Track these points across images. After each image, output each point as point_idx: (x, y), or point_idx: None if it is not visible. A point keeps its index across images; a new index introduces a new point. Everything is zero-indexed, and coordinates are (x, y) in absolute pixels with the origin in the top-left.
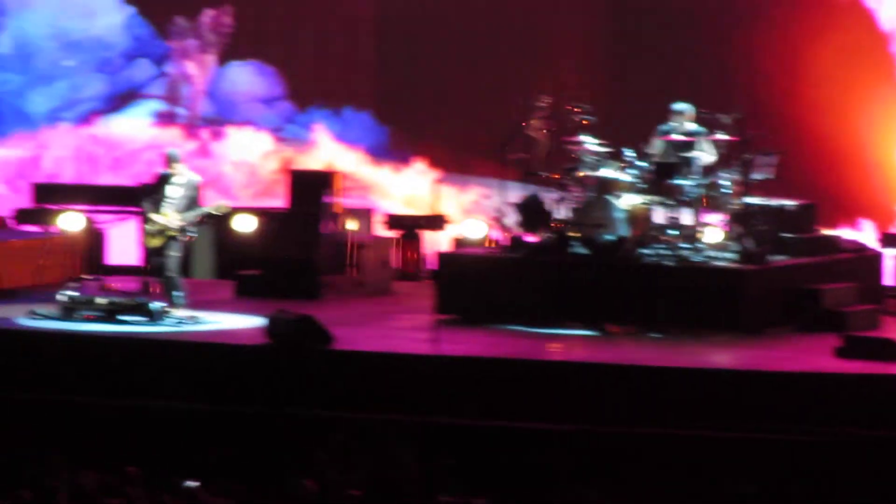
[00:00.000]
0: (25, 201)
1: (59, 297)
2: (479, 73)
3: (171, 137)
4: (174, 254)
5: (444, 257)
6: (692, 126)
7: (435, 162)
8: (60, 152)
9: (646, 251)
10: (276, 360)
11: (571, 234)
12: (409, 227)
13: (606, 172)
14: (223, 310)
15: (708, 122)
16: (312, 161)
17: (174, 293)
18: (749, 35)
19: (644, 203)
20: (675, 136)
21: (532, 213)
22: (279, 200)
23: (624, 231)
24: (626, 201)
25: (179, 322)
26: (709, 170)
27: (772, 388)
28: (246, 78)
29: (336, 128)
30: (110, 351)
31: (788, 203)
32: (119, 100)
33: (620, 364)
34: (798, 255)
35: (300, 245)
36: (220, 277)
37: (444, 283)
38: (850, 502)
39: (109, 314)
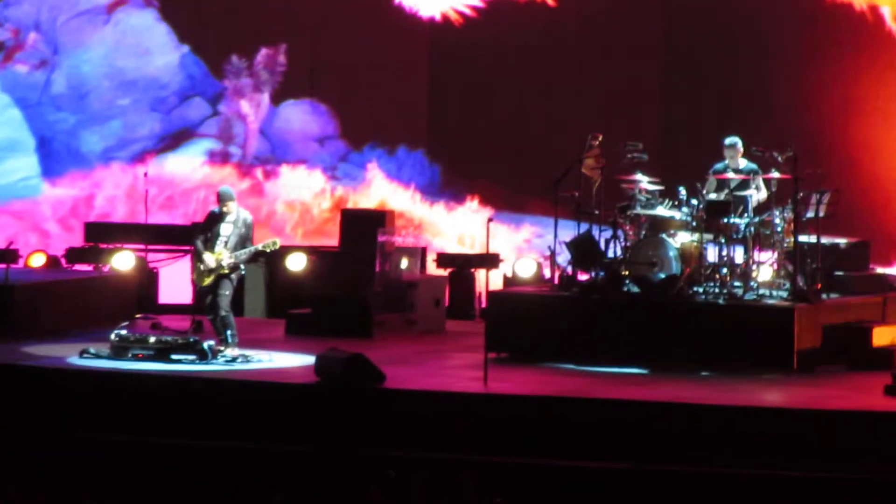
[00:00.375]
0: (78, 240)
1: (111, 336)
2: (531, 112)
3: (225, 176)
4: (226, 292)
5: (494, 296)
6: (745, 163)
7: (487, 200)
8: (113, 191)
9: (698, 289)
10: (326, 398)
11: (624, 272)
12: (462, 265)
13: (659, 211)
14: (274, 348)
15: (761, 159)
16: (365, 200)
17: (226, 332)
18: (802, 71)
19: (696, 241)
20: (728, 174)
21: (584, 251)
22: (332, 239)
23: (676, 269)
24: (679, 239)
25: (230, 361)
26: (761, 208)
27: (823, 426)
28: (299, 117)
29: (389, 166)
30: (162, 390)
31: (841, 241)
32: (173, 139)
33: (672, 402)
34: (850, 294)
35: (352, 284)
36: (272, 316)
37: (495, 321)
38: None
39: (161, 353)
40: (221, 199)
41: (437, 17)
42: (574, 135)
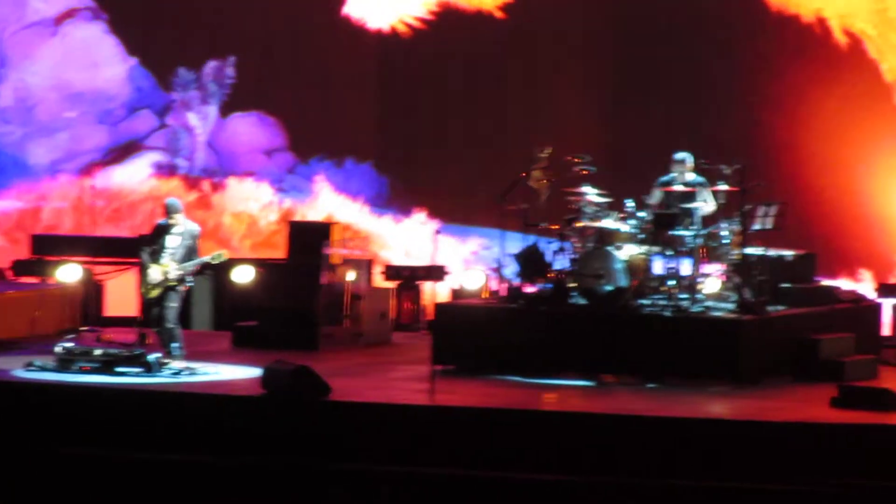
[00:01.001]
0: (24, 252)
1: (56, 348)
2: (479, 125)
3: (172, 188)
4: (173, 304)
5: (441, 308)
6: (692, 176)
7: (434, 213)
8: (60, 204)
9: (644, 301)
10: (273, 411)
11: (570, 284)
12: (408, 277)
13: (606, 223)
14: (221, 361)
15: (708, 172)
16: (313, 212)
17: (172, 344)
18: (751, 86)
19: (643, 254)
20: (675, 187)
21: (531, 263)
22: (279, 252)
23: (623, 281)
24: (626, 252)
25: (176, 373)
26: (708, 220)
27: (769, 438)
28: (247, 129)
29: (337, 179)
30: (107, 402)
31: (788, 253)
32: (120, 151)
33: (617, 414)
34: (797, 305)
35: (299, 296)
36: (218, 328)
37: (442, 333)
38: None
39: (106, 365)
40: (168, 211)
41: (386, 28)
42: (522, 147)
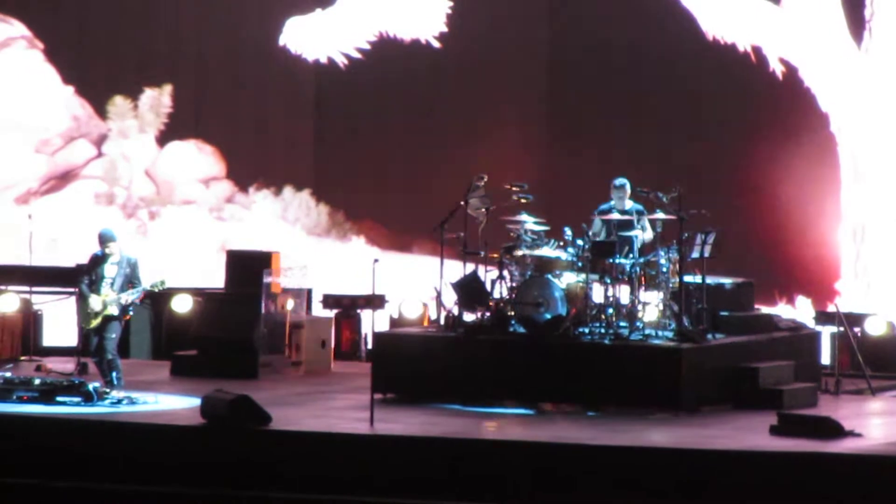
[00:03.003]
0: None
1: None
2: (417, 153)
3: (110, 218)
4: (112, 335)
5: (380, 336)
6: (631, 204)
7: (373, 241)
8: None
9: (584, 330)
10: (212, 440)
11: (510, 312)
12: (348, 306)
13: (545, 251)
14: (160, 390)
15: (646, 200)
16: (251, 241)
17: (112, 374)
18: (689, 114)
19: (582, 282)
20: (613, 215)
21: (470, 291)
22: (217, 281)
23: (562, 310)
24: (565, 280)
25: (116, 403)
26: (647, 248)
27: (708, 466)
28: (185, 158)
29: (275, 207)
30: (46, 432)
31: (726, 281)
32: (57, 180)
33: (557, 443)
34: (736, 334)
35: (238, 325)
36: (158, 358)
37: (381, 362)
38: None
39: (46, 395)
40: (102, 240)
41: (323, 59)
42: (460, 176)
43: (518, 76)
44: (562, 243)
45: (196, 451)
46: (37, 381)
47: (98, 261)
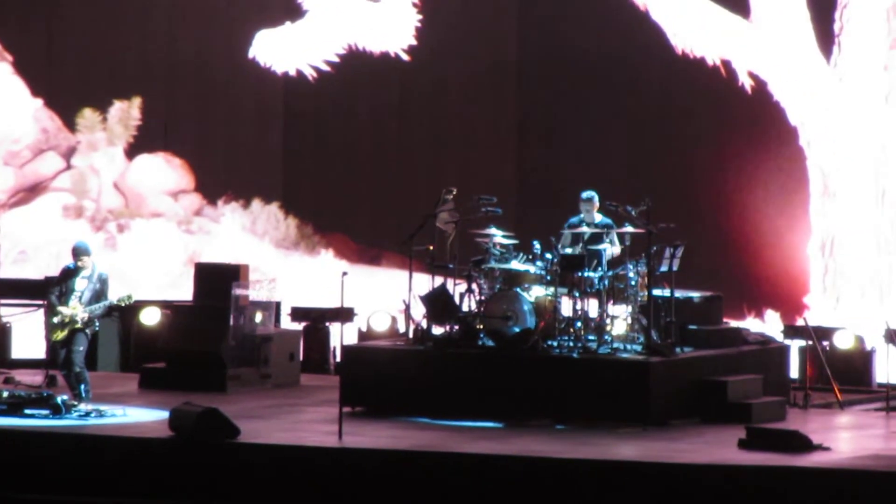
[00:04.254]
0: None
1: None
2: (386, 166)
3: (78, 230)
4: (80, 348)
5: (349, 350)
6: (600, 218)
7: (342, 254)
8: None
9: (552, 343)
10: (180, 452)
11: (478, 325)
12: (316, 319)
13: (513, 264)
14: (128, 403)
15: (615, 213)
16: (220, 254)
17: (80, 386)
18: (658, 127)
19: (551, 295)
20: (582, 229)
21: (439, 304)
22: (186, 293)
23: (530, 323)
24: (533, 293)
25: (84, 415)
26: (616, 262)
27: (677, 479)
28: (154, 170)
29: (244, 220)
30: (14, 444)
31: (695, 295)
32: (26, 193)
33: (526, 455)
34: (704, 347)
35: (206, 338)
36: (126, 370)
37: (350, 375)
38: None
39: (14, 407)
40: (76, 253)
41: (292, 72)
42: (429, 189)
43: (488, 89)
44: (530, 257)
45: (164, 464)
46: (5, 394)
47: (69, 273)
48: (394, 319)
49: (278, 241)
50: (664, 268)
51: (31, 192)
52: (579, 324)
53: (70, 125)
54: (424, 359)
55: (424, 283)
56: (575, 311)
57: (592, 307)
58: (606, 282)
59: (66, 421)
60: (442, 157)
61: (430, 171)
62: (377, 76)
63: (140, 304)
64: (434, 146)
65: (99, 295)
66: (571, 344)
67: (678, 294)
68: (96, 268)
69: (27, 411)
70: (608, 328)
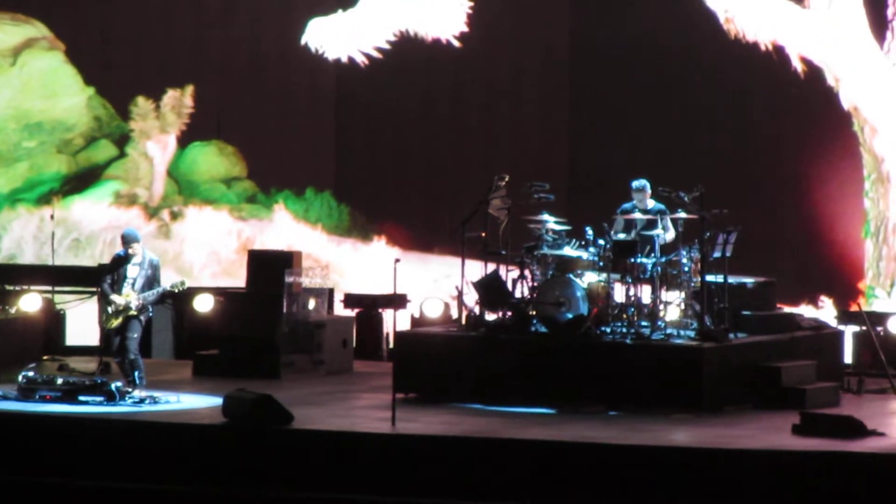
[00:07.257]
0: None
1: (18, 377)
2: (438, 152)
3: (131, 218)
4: (134, 335)
5: (402, 336)
6: (653, 204)
7: (394, 241)
8: (20, 233)
9: (605, 329)
10: (234, 439)
11: (531, 312)
12: (369, 305)
13: (566, 251)
14: (182, 389)
15: (668, 199)
16: (273, 241)
17: (134, 373)
18: (710, 113)
19: (603, 281)
20: (635, 215)
21: (492, 291)
22: (239, 280)
23: (583, 309)
24: (586, 279)
25: (138, 402)
26: (669, 248)
27: (730, 465)
28: (206, 158)
29: (296, 207)
30: (69, 431)
31: (748, 281)
32: (79, 181)
33: (580, 442)
34: (758, 333)
35: (259, 324)
36: (179, 357)
37: (403, 361)
38: None
39: (68, 394)
40: (126, 241)
41: (344, 58)
42: (481, 175)
43: (539, 75)
44: (583, 243)
45: (218, 450)
46: (59, 381)
47: (120, 261)
48: (446, 306)
49: (331, 229)
50: (717, 253)
51: (85, 180)
52: (632, 310)
53: (123, 113)
54: (477, 345)
55: (477, 269)
56: (628, 297)
57: (645, 293)
58: (659, 268)
59: (120, 408)
60: (494, 144)
61: (482, 157)
62: (428, 63)
63: (193, 291)
64: (487, 132)
65: (151, 281)
66: (624, 330)
67: (731, 280)
68: (147, 254)
69: (81, 398)
70: (661, 314)
